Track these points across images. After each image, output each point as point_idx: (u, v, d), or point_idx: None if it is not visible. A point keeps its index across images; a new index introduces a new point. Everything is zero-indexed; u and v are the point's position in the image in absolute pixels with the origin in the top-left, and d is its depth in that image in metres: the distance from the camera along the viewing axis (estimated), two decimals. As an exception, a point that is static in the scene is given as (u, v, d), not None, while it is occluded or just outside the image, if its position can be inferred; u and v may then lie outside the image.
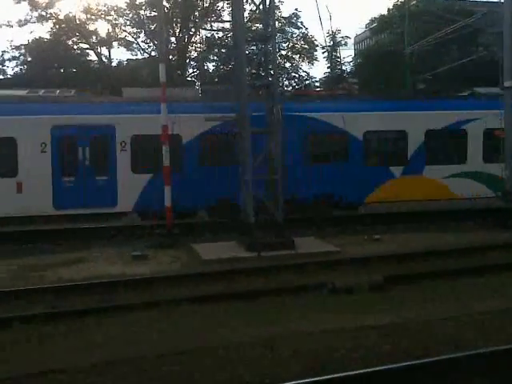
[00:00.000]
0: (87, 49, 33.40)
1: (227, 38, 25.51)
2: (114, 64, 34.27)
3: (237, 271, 9.22)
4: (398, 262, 9.79)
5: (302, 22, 34.79)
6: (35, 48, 31.34)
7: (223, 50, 26.11)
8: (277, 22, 24.13)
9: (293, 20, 34.54)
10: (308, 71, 38.25)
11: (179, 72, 30.35)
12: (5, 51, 33.74)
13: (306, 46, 35.83)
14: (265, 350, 5.43)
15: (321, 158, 14.91)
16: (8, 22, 31.07)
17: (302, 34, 35.21)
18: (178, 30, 30.89)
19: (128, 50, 33.85)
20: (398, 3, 33.81)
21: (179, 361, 5.27)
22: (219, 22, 21.49)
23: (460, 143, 15.57)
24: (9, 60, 34.06)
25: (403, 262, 9.78)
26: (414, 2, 31.14)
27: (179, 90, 16.05)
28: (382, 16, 37.50)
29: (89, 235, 13.02)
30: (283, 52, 34.57)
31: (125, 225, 14.08)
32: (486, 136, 15.42)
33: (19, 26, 31.10)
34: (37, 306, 7.47)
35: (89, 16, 31.53)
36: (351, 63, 39.53)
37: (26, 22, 31.08)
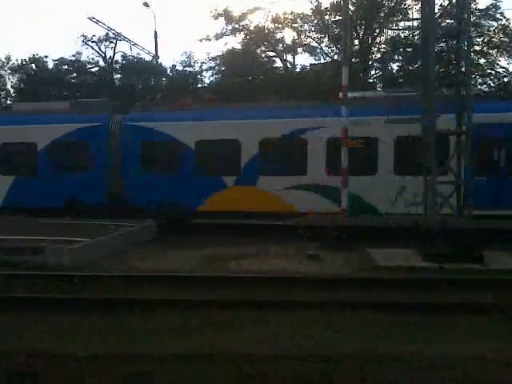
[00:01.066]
0: (274, 56, 35.39)
1: (413, 36, 24.42)
2: (297, 70, 35.68)
3: (414, 281, 8.69)
4: None
5: (501, 13, 31.36)
6: (228, 58, 34.37)
7: (409, 50, 24.97)
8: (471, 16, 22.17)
9: (490, 12, 31.30)
10: (507, 67, 34.32)
11: (361, 74, 30.05)
12: (203, 62, 37.91)
13: (505, 39, 32.16)
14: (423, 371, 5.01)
15: (157, 166, 15.31)
16: (207, 36, 34.74)
17: (502, 26, 31.68)
18: (362, 33, 30.60)
19: (311, 56, 34.90)
20: None
21: (345, 366, 5.17)
22: (406, 20, 20.51)
23: (299, 153, 14.26)
24: (206, 70, 38.14)
25: None
26: None
27: (53, 103, 18.75)
28: None
29: (269, 232, 14.09)
30: (477, 47, 31.56)
31: (301, 224, 14.64)
32: (329, 145, 13.90)
33: (216, 39, 34.43)
34: (217, 294, 8.04)
35: (276, 25, 33.32)
36: None
37: (222, 35, 34.23)
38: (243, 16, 33.31)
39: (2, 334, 6.38)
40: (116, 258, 11.11)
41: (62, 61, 38.39)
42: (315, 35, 33.20)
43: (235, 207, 14.43)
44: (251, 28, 33.52)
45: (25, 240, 10.95)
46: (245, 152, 14.64)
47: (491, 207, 12.45)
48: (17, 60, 40.22)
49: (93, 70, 39.60)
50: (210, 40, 34.48)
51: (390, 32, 28.09)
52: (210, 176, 14.67)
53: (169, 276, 9.08)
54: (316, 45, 33.55)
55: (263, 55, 35.24)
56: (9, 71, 40.97)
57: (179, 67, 39.12)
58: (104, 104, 17.17)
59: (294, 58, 35.67)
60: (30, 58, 39.33)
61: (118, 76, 39.29)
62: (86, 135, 15.70)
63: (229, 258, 11.14)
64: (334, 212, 13.35)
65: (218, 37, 34.21)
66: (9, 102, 37.91)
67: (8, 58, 40.85)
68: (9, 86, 41.21)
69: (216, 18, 33.60)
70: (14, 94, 40.33)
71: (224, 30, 33.97)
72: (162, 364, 5.25)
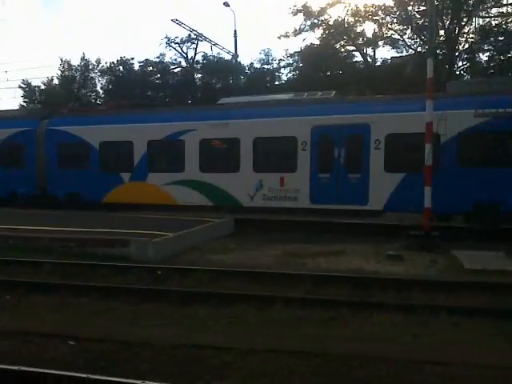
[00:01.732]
0: (353, 50, 34.59)
1: (507, 23, 22.77)
2: (378, 63, 34.61)
3: (504, 285, 8.12)
4: None
5: None
6: (307, 54, 34.10)
7: (501, 38, 23.33)
8: None
9: None
10: None
11: (447, 66, 28.56)
12: (281, 59, 37.98)
13: None
14: None
15: (71, 164, 17.83)
16: (285, 32, 34.71)
17: None
18: (448, 22, 29.04)
19: (393, 48, 33.68)
20: None
21: (434, 371, 4.96)
22: (498, 6, 19.12)
23: (178, 153, 16.23)
24: (284, 67, 38.18)
25: None
26: None
27: (9, 110, 20.60)
28: None
29: (348, 230, 14.01)
30: None
31: (382, 223, 14.31)
32: (202, 146, 15.86)
33: (294, 35, 34.32)
34: (295, 291, 7.96)
35: (357, 18, 32.52)
36: None
37: (300, 31, 34.07)
38: (322, 11, 32.95)
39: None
40: (196, 252, 11.44)
41: (146, 62, 40.27)
42: (397, 27, 32.06)
43: (129, 200, 16.82)
44: (330, 23, 33.04)
45: (109, 233, 11.57)
46: (137, 152, 16.90)
47: None
48: (106, 63, 42.88)
49: (175, 70, 41.13)
50: (288, 37, 34.51)
51: (480, 20, 26.35)
52: (111, 172, 17.19)
53: (246, 272, 9.17)
54: (398, 37, 32.40)
55: (342, 50, 34.58)
56: (98, 73, 43.71)
57: (257, 65, 39.54)
58: (38, 110, 20.09)
59: (374, 51, 34.73)
60: (117, 61, 41.69)
61: (199, 76, 40.45)
62: (21, 138, 18.63)
63: (306, 256, 11.05)
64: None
65: (297, 33, 34.12)
66: (98, 102, 40.41)
67: (98, 61, 43.62)
68: (98, 88, 44.04)
69: (295, 14, 33.53)
70: (103, 95, 42.97)
71: (303, 26, 33.85)
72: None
